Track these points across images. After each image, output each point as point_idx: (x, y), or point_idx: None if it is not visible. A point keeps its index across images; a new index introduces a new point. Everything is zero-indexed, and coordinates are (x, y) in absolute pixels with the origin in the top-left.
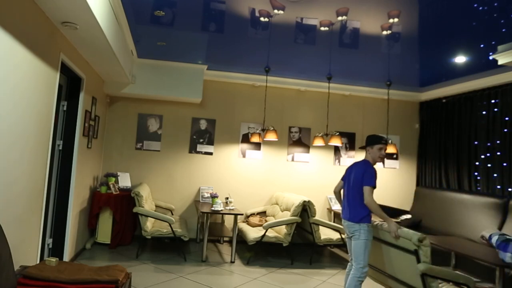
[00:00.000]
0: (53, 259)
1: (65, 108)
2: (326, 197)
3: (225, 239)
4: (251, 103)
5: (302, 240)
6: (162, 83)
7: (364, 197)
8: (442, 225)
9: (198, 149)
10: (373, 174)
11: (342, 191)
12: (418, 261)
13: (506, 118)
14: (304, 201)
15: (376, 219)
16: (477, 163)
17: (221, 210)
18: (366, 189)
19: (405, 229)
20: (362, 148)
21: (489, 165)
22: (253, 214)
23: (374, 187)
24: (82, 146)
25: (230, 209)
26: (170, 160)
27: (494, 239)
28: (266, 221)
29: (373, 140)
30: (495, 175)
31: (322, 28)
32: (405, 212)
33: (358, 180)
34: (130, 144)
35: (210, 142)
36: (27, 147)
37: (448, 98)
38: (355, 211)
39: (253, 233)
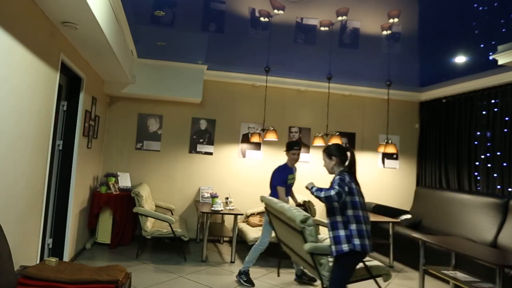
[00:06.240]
0: (53, 259)
1: (65, 108)
2: None
3: (225, 239)
4: (251, 103)
5: None
6: (162, 83)
7: (277, 194)
8: (442, 225)
9: (198, 149)
10: (280, 176)
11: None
12: (305, 241)
13: (506, 118)
14: (304, 201)
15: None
16: (477, 163)
17: (221, 210)
18: (277, 188)
19: (291, 210)
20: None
21: (489, 165)
22: (253, 214)
23: (281, 185)
24: (82, 146)
25: (230, 209)
26: (170, 160)
27: (314, 189)
28: None
29: (289, 147)
30: (495, 175)
31: (322, 28)
32: (405, 212)
33: (271, 180)
34: (130, 144)
35: (210, 142)
36: (27, 147)
37: (448, 98)
38: None
39: (253, 233)
